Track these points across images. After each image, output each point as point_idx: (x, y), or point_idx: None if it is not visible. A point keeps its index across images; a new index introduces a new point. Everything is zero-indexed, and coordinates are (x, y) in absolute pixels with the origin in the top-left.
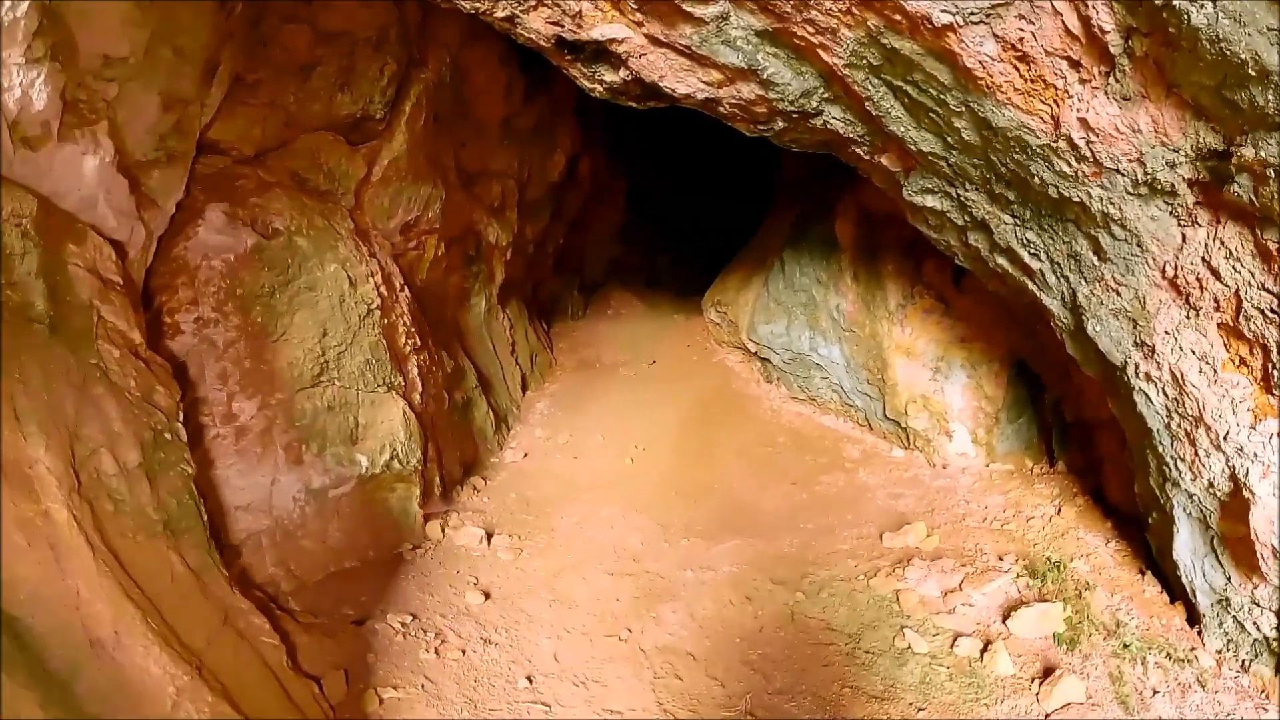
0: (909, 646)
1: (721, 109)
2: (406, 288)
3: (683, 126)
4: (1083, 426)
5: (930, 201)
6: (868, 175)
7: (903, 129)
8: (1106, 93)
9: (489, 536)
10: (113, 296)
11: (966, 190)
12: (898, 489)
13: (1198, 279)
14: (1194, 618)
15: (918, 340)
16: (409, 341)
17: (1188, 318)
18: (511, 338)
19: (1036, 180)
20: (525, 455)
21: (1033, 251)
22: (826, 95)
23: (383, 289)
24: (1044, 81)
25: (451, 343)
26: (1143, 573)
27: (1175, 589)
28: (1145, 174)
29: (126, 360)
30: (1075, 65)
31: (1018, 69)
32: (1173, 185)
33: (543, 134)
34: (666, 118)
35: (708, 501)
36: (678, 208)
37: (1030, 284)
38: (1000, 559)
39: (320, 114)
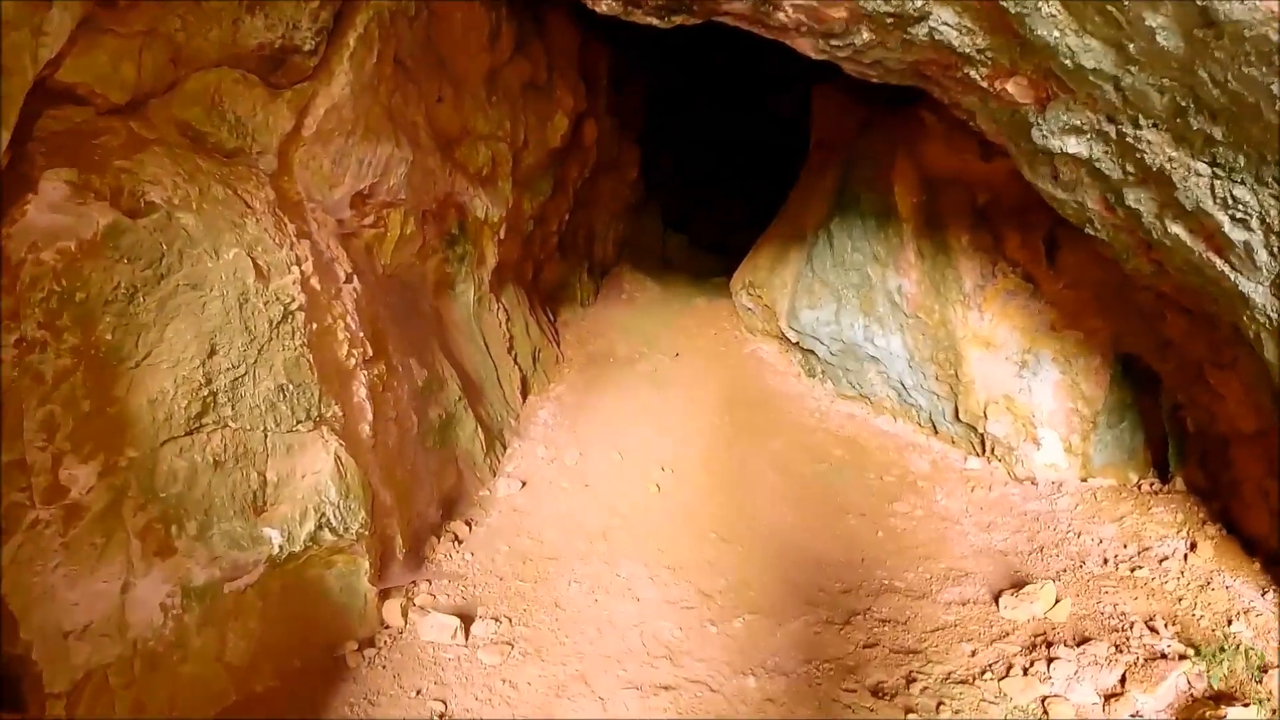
0: None
1: (782, 16)
2: (356, 277)
3: (698, 83)
4: (1213, 439)
5: (1074, 146)
6: (969, 117)
7: (1055, 35)
8: None
9: (467, 625)
10: None
11: (1140, 128)
12: (987, 516)
13: None
14: None
15: (998, 329)
16: (354, 352)
17: None
18: (508, 332)
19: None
20: (523, 485)
21: (1239, 215)
22: None
23: (314, 281)
24: None
25: (427, 345)
26: None
27: None
28: None
29: None
30: None
31: None
32: None
33: (539, 91)
34: (681, 64)
35: (757, 549)
36: (692, 175)
37: (1219, 263)
38: (1151, 629)
39: (221, 44)
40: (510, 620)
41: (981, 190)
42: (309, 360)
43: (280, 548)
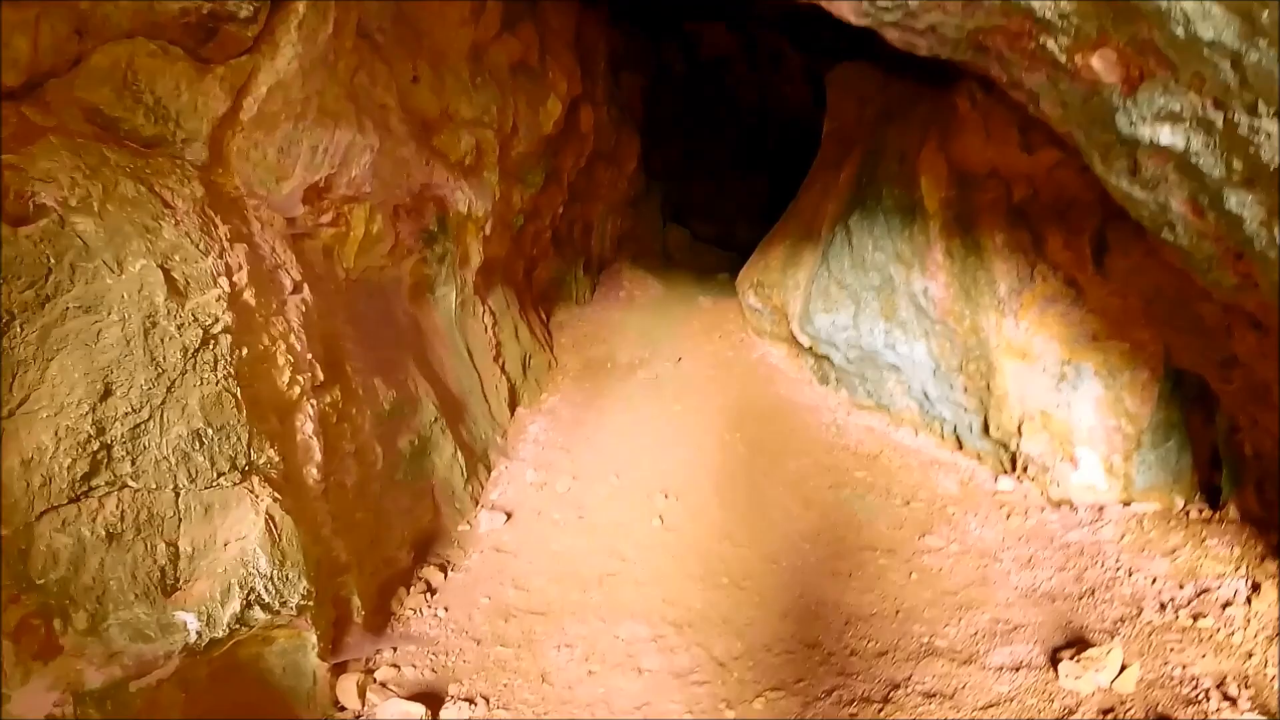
0: None
1: None
2: (308, 286)
3: (700, 69)
4: (1275, 466)
5: (1167, 136)
6: (1029, 100)
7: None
8: None
9: (435, 709)
10: None
11: (1257, 115)
12: (1027, 549)
13: None
14: None
15: (1035, 338)
16: (298, 378)
17: None
18: (495, 338)
19: None
20: (508, 517)
21: None
22: None
23: (248, 295)
24: None
25: (398, 360)
26: None
27: None
28: None
29: None
30: None
31: None
32: None
33: (531, 72)
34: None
35: (778, 600)
36: (693, 166)
37: None
38: (1227, 696)
39: (135, 10)
40: (487, 700)
41: (1020, 185)
42: (235, 395)
43: (199, 634)
